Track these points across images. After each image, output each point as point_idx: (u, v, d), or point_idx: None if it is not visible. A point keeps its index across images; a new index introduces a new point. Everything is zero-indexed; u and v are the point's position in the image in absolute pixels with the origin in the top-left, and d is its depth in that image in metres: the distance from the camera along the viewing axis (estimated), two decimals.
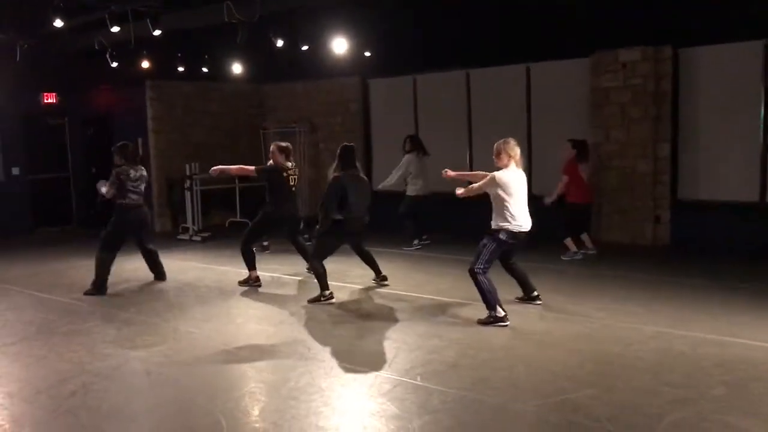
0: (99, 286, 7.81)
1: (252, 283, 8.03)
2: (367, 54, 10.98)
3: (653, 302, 6.78)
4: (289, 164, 7.94)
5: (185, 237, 11.89)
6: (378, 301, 7.21)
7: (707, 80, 9.54)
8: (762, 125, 9.10)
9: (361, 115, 13.21)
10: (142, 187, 7.96)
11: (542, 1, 9.51)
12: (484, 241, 6.27)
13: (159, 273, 8.43)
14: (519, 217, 6.21)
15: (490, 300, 6.13)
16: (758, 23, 8.72)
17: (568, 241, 9.12)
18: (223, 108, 13.71)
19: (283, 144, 8.05)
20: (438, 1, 10.64)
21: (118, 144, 8.13)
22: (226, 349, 5.77)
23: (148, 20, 8.17)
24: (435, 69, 11.99)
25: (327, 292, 7.17)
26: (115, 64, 10.27)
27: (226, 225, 12.83)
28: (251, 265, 8.07)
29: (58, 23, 7.58)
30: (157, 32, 8.34)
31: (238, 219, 12.54)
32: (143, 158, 13.06)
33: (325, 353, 5.55)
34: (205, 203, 12.43)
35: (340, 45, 9.23)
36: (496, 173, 6.22)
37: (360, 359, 5.38)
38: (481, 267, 6.17)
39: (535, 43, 10.59)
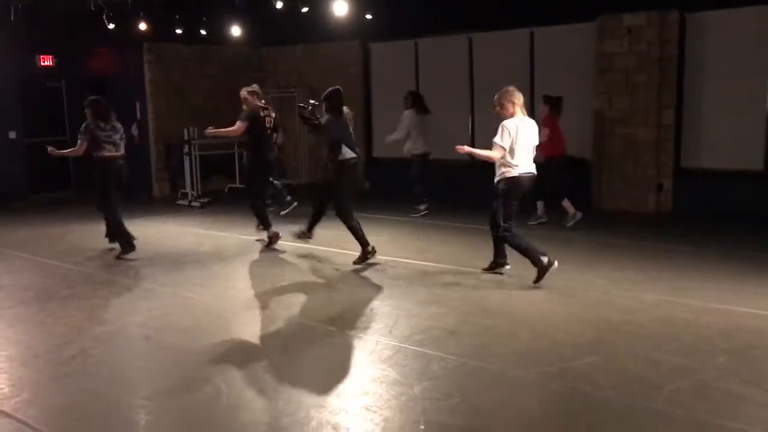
0: (125, 245, 7.78)
1: (275, 242, 8.01)
2: (368, 17, 10.78)
3: (655, 270, 6.74)
4: (262, 103, 8.05)
5: (184, 202, 11.82)
6: (378, 267, 7.16)
7: (713, 46, 9.39)
8: None
9: (362, 80, 13.04)
10: (117, 138, 7.76)
11: None
12: (495, 204, 6.32)
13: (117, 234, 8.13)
14: (522, 164, 6.17)
15: (531, 256, 6.20)
16: None
17: (566, 203, 8.95)
18: (222, 72, 13.52)
19: (251, 88, 8.08)
20: None
21: (90, 98, 7.97)
22: (225, 315, 5.75)
23: None
24: (437, 33, 11.80)
25: (369, 247, 7.11)
26: (111, 26, 10.06)
27: (226, 190, 12.76)
28: (267, 223, 8.09)
29: None
30: None
31: (238, 184, 12.45)
32: (141, 121, 12.98)
33: (324, 319, 5.51)
34: (204, 168, 12.33)
35: (340, 7, 9.04)
36: (507, 122, 6.09)
37: (359, 325, 5.36)
38: (506, 228, 6.24)
39: (538, 7, 10.41)
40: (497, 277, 6.63)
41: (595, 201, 10.29)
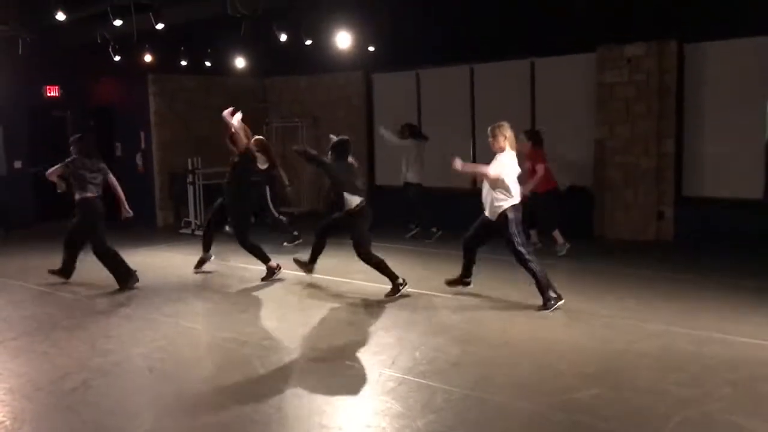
0: (125, 276, 7.72)
1: (276, 273, 7.99)
2: (371, 49, 10.91)
3: (656, 299, 6.74)
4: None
5: (187, 231, 11.84)
6: (381, 296, 7.16)
7: (712, 76, 9.47)
8: (767, 122, 9.05)
9: (364, 110, 13.15)
10: (100, 180, 7.74)
11: None
12: (506, 235, 6.48)
13: (67, 270, 8.10)
14: (515, 193, 6.56)
15: (542, 286, 6.40)
16: (765, 19, 8.65)
17: (556, 233, 8.96)
18: (226, 102, 13.49)
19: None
20: None
21: (76, 136, 7.97)
22: (228, 345, 5.74)
23: (150, 14, 8.11)
24: (439, 64, 11.93)
25: (400, 279, 7.05)
26: (117, 58, 10.20)
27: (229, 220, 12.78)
28: (265, 258, 8.06)
29: (60, 17, 7.51)
30: (159, 26, 8.28)
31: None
32: (145, 151, 13.07)
33: (327, 350, 5.51)
34: (208, 197, 12.37)
35: (343, 40, 9.15)
36: (501, 156, 6.55)
37: (362, 356, 5.35)
38: (524, 252, 6.46)
39: (539, 38, 10.53)
40: (499, 305, 6.64)
41: (596, 229, 10.30)
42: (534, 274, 6.44)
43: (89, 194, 7.65)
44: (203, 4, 8.22)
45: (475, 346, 5.48)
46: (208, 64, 11.95)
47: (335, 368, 5.10)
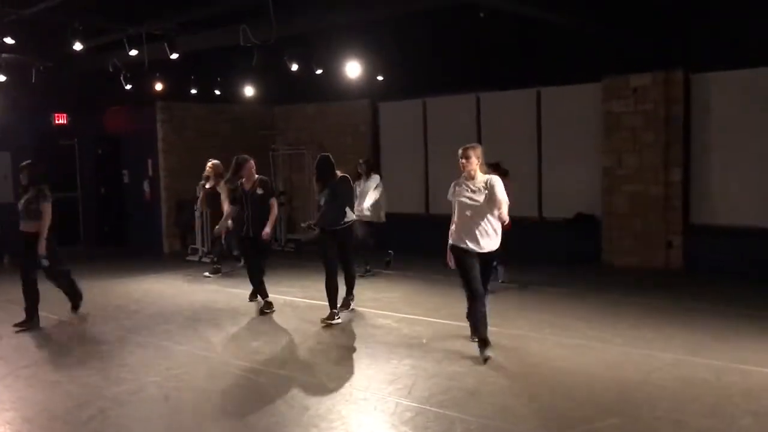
0: (30, 316, 7.34)
1: (266, 312, 7.79)
2: (380, 78, 11.02)
3: (670, 328, 6.73)
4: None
5: (194, 258, 11.85)
6: (394, 325, 7.15)
7: (719, 105, 9.56)
8: None
9: (370, 137, 13.24)
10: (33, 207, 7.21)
11: (553, 25, 9.57)
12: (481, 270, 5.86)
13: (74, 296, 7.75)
14: None
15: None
16: None
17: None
18: (234, 130, 13.74)
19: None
20: (449, 24, 10.74)
21: (27, 162, 7.54)
22: (243, 374, 5.72)
23: (165, 44, 8.21)
24: (445, 92, 12.04)
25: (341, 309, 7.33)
26: (128, 87, 10.29)
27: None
28: (264, 293, 7.95)
29: (77, 47, 7.60)
30: (174, 56, 8.38)
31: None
32: (152, 179, 13.12)
33: (343, 379, 5.49)
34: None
35: (353, 69, 9.26)
36: (495, 177, 5.81)
37: (378, 386, 5.33)
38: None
39: (546, 68, 10.66)
40: (513, 333, 6.62)
41: (604, 257, 10.32)
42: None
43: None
44: (216, 33, 8.31)
45: (492, 375, 5.46)
46: (217, 92, 12.05)
47: (352, 398, 5.08)
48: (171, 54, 8.28)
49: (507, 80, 11.20)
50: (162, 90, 11.23)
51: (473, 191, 5.80)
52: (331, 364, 5.94)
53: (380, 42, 10.69)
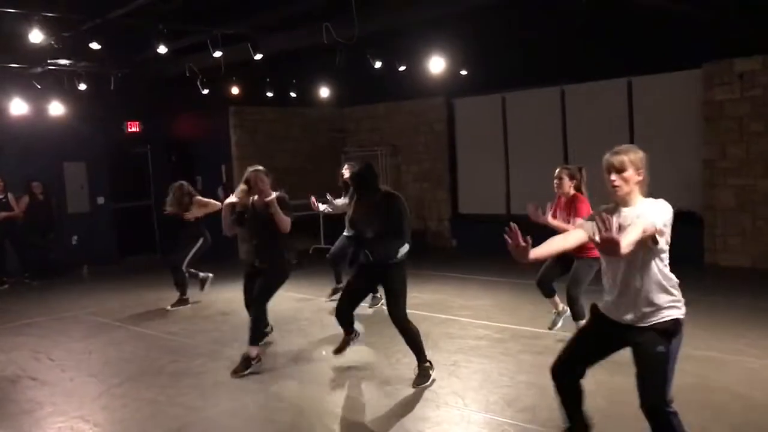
0: None
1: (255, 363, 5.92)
2: (463, 72, 10.50)
3: None
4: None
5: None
6: (496, 336, 6.67)
7: None
8: None
9: (446, 136, 12.78)
10: None
11: (643, 10, 8.90)
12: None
13: None
14: None
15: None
16: None
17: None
18: (305, 133, 13.49)
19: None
20: (532, 13, 10.15)
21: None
22: (354, 388, 5.33)
23: (249, 44, 7.92)
24: (526, 86, 11.47)
25: (428, 363, 5.41)
26: (205, 92, 10.08)
27: (310, 251, 12.54)
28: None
29: (162, 49, 7.38)
30: (258, 56, 8.09)
31: (323, 245, 12.21)
32: (226, 185, 12.96)
33: (456, 397, 5.04)
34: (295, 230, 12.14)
35: (436, 64, 8.82)
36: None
37: (494, 405, 4.85)
38: None
39: (636, 55, 9.97)
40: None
41: (707, 257, 9.60)
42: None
43: None
44: (299, 33, 7.98)
45: (623, 393, 4.92)
46: (293, 95, 11.79)
47: (469, 420, 4.62)
48: (255, 55, 7.99)
49: (594, 71, 10.55)
50: (238, 95, 10.99)
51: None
52: (440, 382, 5.47)
53: (455, 36, 10.17)
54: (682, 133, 9.91)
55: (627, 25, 9.74)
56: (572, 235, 3.48)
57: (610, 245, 2.98)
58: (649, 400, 3.28)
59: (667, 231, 3.29)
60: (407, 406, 4.98)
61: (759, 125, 9.05)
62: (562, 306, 6.29)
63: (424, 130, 12.97)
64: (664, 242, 3.29)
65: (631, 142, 10.28)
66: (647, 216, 3.25)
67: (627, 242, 3.05)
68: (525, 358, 5.93)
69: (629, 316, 3.37)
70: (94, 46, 7.05)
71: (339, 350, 5.77)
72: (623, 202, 3.41)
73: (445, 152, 12.77)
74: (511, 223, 3.23)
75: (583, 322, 5.55)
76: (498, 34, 10.65)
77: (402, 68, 9.48)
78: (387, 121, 13.47)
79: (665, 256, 3.36)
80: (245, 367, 5.81)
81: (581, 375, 3.67)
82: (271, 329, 6.97)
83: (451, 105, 12.76)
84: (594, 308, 3.64)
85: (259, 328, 6.02)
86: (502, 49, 10.96)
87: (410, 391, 5.24)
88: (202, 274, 8.85)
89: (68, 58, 8.67)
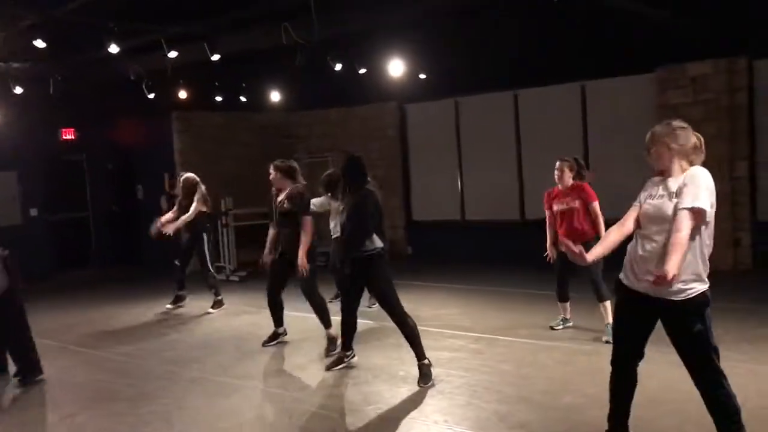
0: None
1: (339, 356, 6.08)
2: (422, 76, 10.31)
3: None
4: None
5: (221, 277, 11.09)
6: (472, 346, 6.45)
7: None
8: None
9: (399, 142, 12.57)
10: None
11: (596, 15, 8.93)
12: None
13: None
14: None
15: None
16: None
17: None
18: (253, 138, 13.04)
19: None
20: (484, 17, 10.04)
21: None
22: (328, 414, 5.00)
23: (206, 45, 7.49)
24: (479, 90, 11.38)
25: (427, 361, 5.47)
26: (151, 96, 9.55)
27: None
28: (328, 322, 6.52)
29: (114, 49, 6.87)
30: (215, 57, 7.66)
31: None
32: (172, 194, 12.38)
33: (444, 415, 4.78)
34: (238, 239, 11.69)
35: (396, 68, 8.62)
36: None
37: (486, 422, 4.60)
38: None
39: (589, 60, 10.01)
40: None
41: None
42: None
43: None
44: (257, 33, 7.61)
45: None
46: (243, 99, 11.36)
47: None
48: (212, 55, 7.56)
49: (547, 75, 10.54)
50: (183, 99, 10.49)
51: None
52: (433, 399, 5.21)
53: (408, 40, 9.96)
54: (636, 137, 9.94)
55: (580, 29, 9.77)
56: (627, 220, 3.70)
57: (580, 260, 3.65)
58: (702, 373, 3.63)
59: (713, 200, 3.51)
60: (392, 423, 4.70)
61: (712, 128, 9.15)
62: (570, 315, 6.66)
63: (377, 136, 12.72)
64: (710, 214, 3.50)
65: (585, 146, 10.42)
66: (692, 200, 3.42)
67: (684, 234, 3.38)
68: (507, 369, 5.73)
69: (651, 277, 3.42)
70: (39, 44, 6.48)
71: (330, 367, 5.91)
72: (666, 173, 3.67)
73: (398, 158, 12.56)
74: (564, 240, 3.76)
75: (608, 303, 6.00)
76: (451, 39, 10.53)
77: (362, 71, 9.20)
78: (339, 127, 13.15)
79: (711, 223, 3.54)
80: (333, 349, 6.20)
81: (641, 355, 3.85)
82: (285, 332, 6.97)
83: (403, 110, 12.56)
84: (618, 286, 3.77)
85: (322, 312, 6.43)
86: (454, 54, 10.85)
87: (395, 408, 4.96)
88: (180, 293, 8.83)
89: (3, 61, 8.03)
